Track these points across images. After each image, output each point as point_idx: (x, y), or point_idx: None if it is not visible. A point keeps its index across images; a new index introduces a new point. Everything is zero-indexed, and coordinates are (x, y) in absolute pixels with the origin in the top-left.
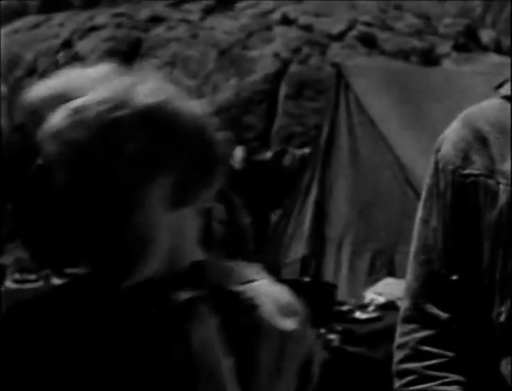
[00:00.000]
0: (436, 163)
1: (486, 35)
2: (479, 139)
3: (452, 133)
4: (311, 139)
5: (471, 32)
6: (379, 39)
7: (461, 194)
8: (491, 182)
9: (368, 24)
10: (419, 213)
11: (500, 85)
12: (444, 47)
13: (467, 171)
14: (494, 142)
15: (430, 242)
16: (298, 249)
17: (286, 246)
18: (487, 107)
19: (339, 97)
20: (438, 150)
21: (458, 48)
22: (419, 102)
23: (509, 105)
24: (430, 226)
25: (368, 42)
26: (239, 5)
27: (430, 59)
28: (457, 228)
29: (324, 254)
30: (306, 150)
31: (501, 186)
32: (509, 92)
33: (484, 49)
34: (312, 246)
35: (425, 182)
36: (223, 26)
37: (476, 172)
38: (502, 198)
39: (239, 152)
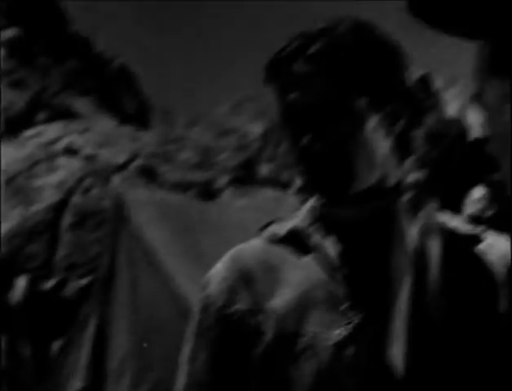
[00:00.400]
0: (204, 301)
1: (263, 169)
2: (246, 278)
3: (219, 272)
4: (93, 269)
5: (249, 166)
6: (159, 171)
7: (229, 331)
8: (257, 319)
9: (149, 156)
10: (185, 352)
11: (266, 227)
12: (222, 180)
13: (234, 308)
14: (261, 280)
15: (199, 376)
16: (76, 381)
17: (65, 377)
18: (254, 247)
19: (119, 228)
20: (205, 287)
21: (236, 182)
22: (196, 234)
23: (274, 245)
24: (198, 361)
25: (149, 174)
26: (24, 134)
27: (208, 192)
28: (225, 364)
29: (103, 386)
30: (87, 280)
31: (268, 323)
32: (273, 233)
33: (262, 183)
34: (91, 377)
35: (193, 320)
36: (8, 155)
37: (242, 309)
38: (268, 335)
39: (21, 282)
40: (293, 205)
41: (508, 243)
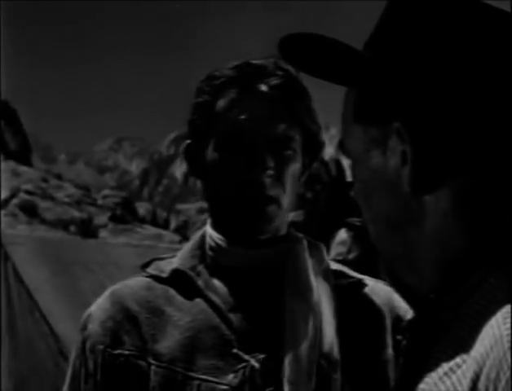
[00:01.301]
0: (83, 342)
1: (142, 207)
2: (129, 318)
3: (99, 311)
4: None
5: (128, 204)
6: (40, 208)
7: (112, 374)
8: (141, 362)
9: (30, 193)
10: None
11: (147, 265)
12: (102, 218)
13: (117, 351)
14: (144, 321)
15: None
16: None
17: None
18: (136, 286)
19: None
20: (84, 328)
21: (115, 219)
22: (74, 272)
23: (157, 284)
24: None
25: (30, 211)
26: None
27: (88, 229)
28: None
29: None
30: None
31: (153, 367)
32: (156, 271)
33: (141, 221)
34: None
35: (70, 361)
36: None
37: (126, 352)
38: (154, 379)
39: None
40: (172, 243)
41: (388, 288)
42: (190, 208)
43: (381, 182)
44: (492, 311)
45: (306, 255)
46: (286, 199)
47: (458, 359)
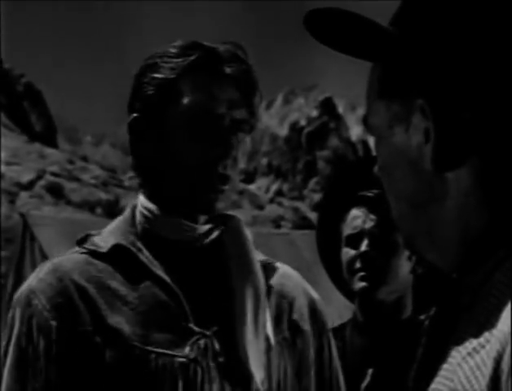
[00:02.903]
0: (29, 319)
1: None
2: (78, 293)
3: (44, 287)
4: (0, 288)
5: None
6: (66, 189)
7: (67, 352)
8: (97, 338)
9: (56, 175)
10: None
11: (83, 240)
12: (129, 199)
13: (71, 328)
14: (94, 296)
15: None
16: None
17: None
18: (76, 261)
19: (25, 246)
20: (28, 304)
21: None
22: None
23: (97, 262)
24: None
25: (56, 192)
26: None
27: (114, 210)
28: (66, 386)
29: None
30: None
31: (108, 343)
32: (94, 247)
33: None
34: None
35: (9, 340)
36: None
37: (81, 328)
38: (110, 355)
39: None
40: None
41: (297, 273)
42: None
43: (403, 158)
44: None
45: (247, 231)
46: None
47: (481, 339)
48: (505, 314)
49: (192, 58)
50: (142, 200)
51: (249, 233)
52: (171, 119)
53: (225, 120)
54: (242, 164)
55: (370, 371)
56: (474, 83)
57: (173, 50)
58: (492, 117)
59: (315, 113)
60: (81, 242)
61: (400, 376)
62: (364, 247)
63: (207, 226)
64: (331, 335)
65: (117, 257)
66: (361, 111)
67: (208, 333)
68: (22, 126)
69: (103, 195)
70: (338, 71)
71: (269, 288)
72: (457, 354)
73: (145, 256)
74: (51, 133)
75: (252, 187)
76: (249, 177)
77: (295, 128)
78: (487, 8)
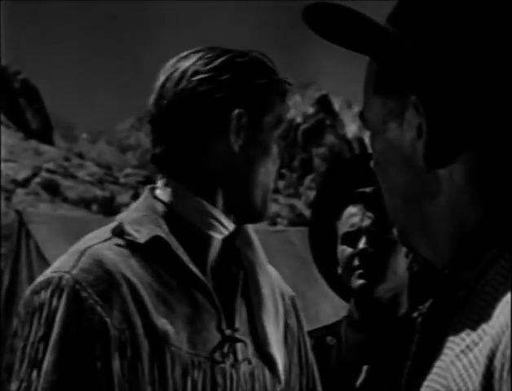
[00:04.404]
0: (81, 312)
1: None
2: (129, 287)
3: (90, 277)
4: None
5: (150, 182)
6: (62, 186)
7: (121, 347)
8: (147, 337)
9: (52, 172)
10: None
11: (119, 230)
12: (124, 197)
13: (120, 325)
14: (144, 294)
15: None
16: None
17: None
18: (117, 251)
19: (20, 244)
20: (77, 295)
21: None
22: None
23: (128, 251)
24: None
25: (52, 190)
26: None
27: (110, 208)
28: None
29: None
30: None
31: (146, 341)
32: (130, 237)
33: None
34: None
35: (58, 333)
36: None
37: (134, 324)
38: (161, 357)
39: None
40: None
41: (274, 269)
42: None
43: (397, 154)
44: (508, 287)
45: (253, 232)
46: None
47: (475, 336)
48: (498, 311)
49: (272, 68)
50: (175, 188)
51: (251, 227)
52: (267, 126)
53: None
54: None
55: (365, 367)
56: (466, 80)
57: (258, 56)
58: (485, 114)
59: (311, 110)
60: (116, 231)
61: (395, 373)
62: (362, 244)
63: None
64: (306, 332)
65: (154, 248)
66: (357, 108)
67: (239, 337)
68: (18, 123)
69: (99, 193)
70: (335, 68)
71: None
72: (451, 352)
73: (181, 251)
74: (48, 131)
75: None
76: None
77: (291, 125)
78: (479, 6)
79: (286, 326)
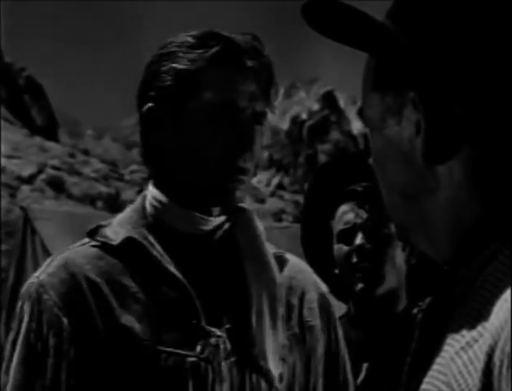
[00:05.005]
0: (39, 314)
1: None
2: (91, 290)
3: (55, 281)
4: (1, 281)
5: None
6: (67, 183)
7: (80, 350)
8: (110, 337)
9: (57, 168)
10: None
11: (94, 232)
12: (129, 193)
13: (85, 326)
14: (106, 293)
15: None
16: None
17: None
18: (87, 255)
19: (26, 240)
20: (38, 299)
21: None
22: None
23: (105, 254)
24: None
25: (57, 186)
26: None
27: (115, 204)
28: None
29: None
30: None
31: (121, 342)
32: (105, 239)
33: None
34: None
35: (17, 336)
36: None
37: (97, 327)
38: (122, 354)
39: None
40: None
41: (307, 266)
42: None
43: (396, 151)
44: (507, 283)
45: (259, 223)
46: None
47: (474, 333)
48: (498, 308)
49: (214, 50)
50: (153, 191)
51: (260, 225)
52: (192, 111)
53: (246, 113)
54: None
55: (365, 365)
56: (464, 76)
57: (192, 40)
58: (484, 110)
59: (316, 107)
60: (91, 233)
61: (395, 370)
62: (358, 240)
63: (221, 218)
64: (339, 327)
65: (128, 250)
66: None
67: (219, 333)
68: (23, 120)
69: (103, 189)
70: (340, 64)
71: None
72: (451, 348)
73: (157, 250)
74: (52, 127)
75: (253, 181)
76: None
77: (296, 121)
78: (477, 3)
79: (306, 324)
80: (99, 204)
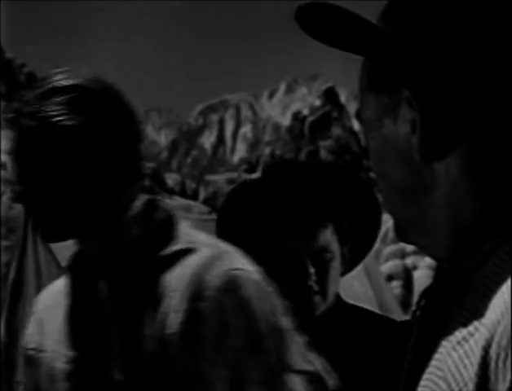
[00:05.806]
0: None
1: (171, 178)
2: (38, 318)
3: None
4: (1, 277)
5: (157, 175)
6: None
7: (33, 374)
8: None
9: None
10: None
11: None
12: None
13: (31, 352)
14: (47, 320)
15: None
16: None
17: None
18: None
19: (27, 236)
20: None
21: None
22: None
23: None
24: None
25: None
26: None
27: None
28: None
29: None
30: None
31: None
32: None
33: (169, 192)
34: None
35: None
36: None
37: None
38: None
39: None
40: (201, 214)
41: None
42: (219, 179)
43: (392, 150)
44: (505, 279)
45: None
46: None
47: (471, 328)
48: (494, 302)
49: None
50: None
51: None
52: None
53: None
54: (244, 154)
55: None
56: (458, 72)
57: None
58: (479, 106)
59: (317, 103)
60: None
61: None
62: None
63: None
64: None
65: (76, 270)
66: None
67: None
68: None
69: None
70: (341, 60)
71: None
72: (448, 344)
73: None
74: None
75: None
76: (252, 167)
77: (298, 117)
78: (470, 1)
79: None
80: None
